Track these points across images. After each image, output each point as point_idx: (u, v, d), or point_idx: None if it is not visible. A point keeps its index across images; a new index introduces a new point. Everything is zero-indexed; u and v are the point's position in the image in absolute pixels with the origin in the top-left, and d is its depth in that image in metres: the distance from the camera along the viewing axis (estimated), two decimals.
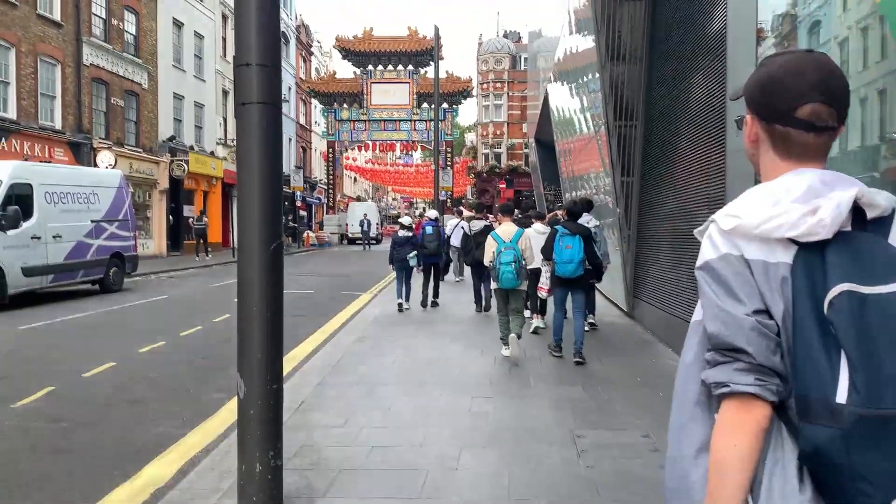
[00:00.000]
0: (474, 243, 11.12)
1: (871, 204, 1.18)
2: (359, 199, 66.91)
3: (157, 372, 7.21)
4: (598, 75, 10.26)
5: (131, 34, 25.41)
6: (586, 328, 8.15)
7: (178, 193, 28.29)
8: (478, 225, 11.55)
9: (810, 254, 1.15)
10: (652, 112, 9.36)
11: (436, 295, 12.27)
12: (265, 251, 3.48)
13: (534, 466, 4.19)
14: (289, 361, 7.63)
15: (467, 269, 13.10)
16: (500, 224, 8.18)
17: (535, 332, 9.17)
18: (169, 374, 7.12)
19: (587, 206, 8.93)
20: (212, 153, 30.79)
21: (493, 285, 7.70)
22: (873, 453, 1.04)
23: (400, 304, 11.45)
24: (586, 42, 11.87)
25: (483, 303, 11.38)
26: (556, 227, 7.60)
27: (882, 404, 1.04)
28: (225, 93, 32.95)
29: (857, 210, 1.18)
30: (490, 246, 7.56)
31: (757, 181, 1.33)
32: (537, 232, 8.62)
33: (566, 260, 7.16)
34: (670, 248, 8.35)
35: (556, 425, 5.05)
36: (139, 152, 25.31)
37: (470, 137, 66.11)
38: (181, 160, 27.08)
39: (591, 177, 13.51)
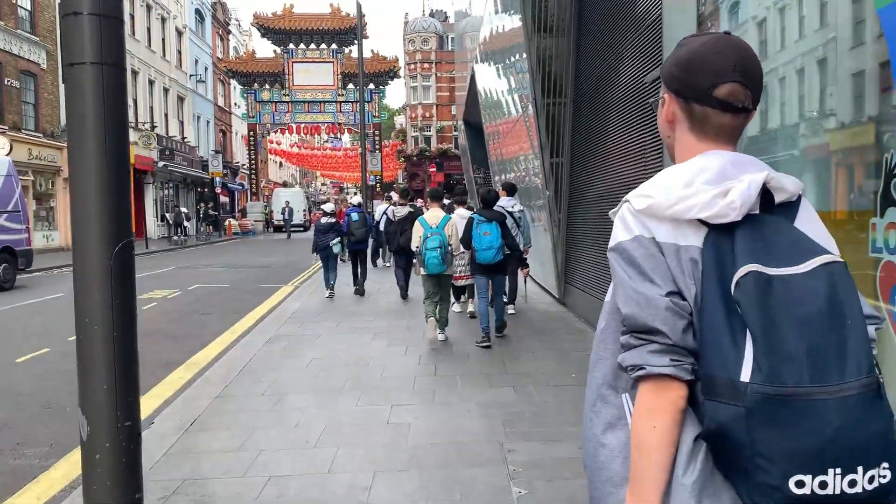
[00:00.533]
0: (399, 230, 10.85)
1: (779, 188, 1.22)
2: (285, 184, 65.10)
3: (32, 386, 6.29)
4: (524, 54, 9.72)
5: (26, 9, 23.44)
6: (507, 314, 8.27)
7: None
8: (402, 211, 11.23)
9: (720, 236, 1.17)
10: (582, 89, 8.86)
11: (363, 279, 12.00)
12: (107, 254, 2.72)
13: (458, 498, 3.59)
14: (189, 368, 6.84)
15: None
16: (427, 209, 8.06)
17: (473, 315, 8.97)
18: (46, 388, 6.20)
19: (511, 189, 8.97)
20: None
21: (421, 271, 7.56)
22: (774, 431, 1.05)
23: (331, 290, 11.34)
24: (512, 21, 11.35)
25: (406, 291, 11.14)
26: (472, 214, 7.55)
27: (784, 382, 1.05)
28: (134, 72, 31.02)
29: (765, 194, 1.21)
30: (417, 231, 7.52)
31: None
32: (461, 217, 8.41)
33: (486, 247, 7.18)
34: (602, 233, 7.90)
35: (486, 439, 4.46)
36: (39, 137, 23.48)
37: (400, 121, 65.10)
38: None
39: (521, 159, 13.02)
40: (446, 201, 10.58)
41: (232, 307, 10.92)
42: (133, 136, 29.90)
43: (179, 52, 37.63)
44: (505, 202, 8.58)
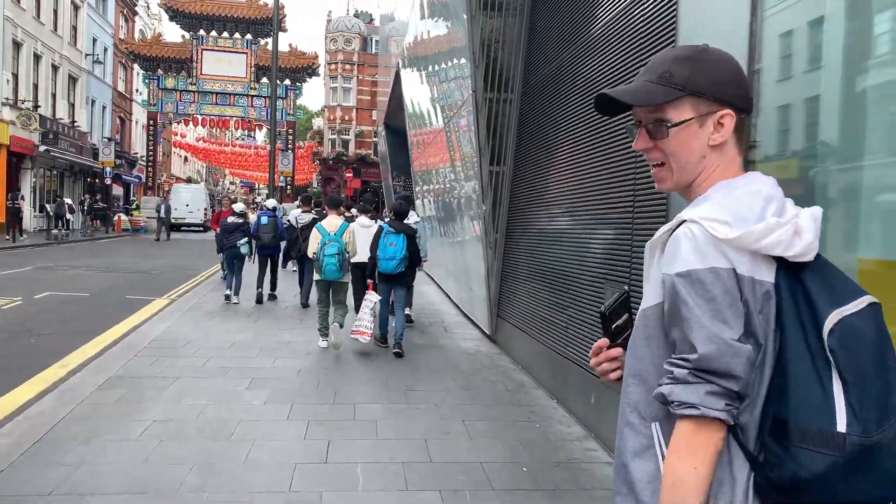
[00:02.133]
0: (301, 236, 10.56)
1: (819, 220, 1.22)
2: (189, 180, 61.17)
3: None
4: (459, 59, 8.02)
5: None
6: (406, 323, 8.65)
7: None
8: (305, 218, 10.89)
9: (790, 273, 1.15)
10: (532, 83, 7.18)
11: (273, 288, 11.51)
12: None
13: None
14: None
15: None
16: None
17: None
18: None
19: (408, 203, 8.81)
20: None
21: (315, 276, 7.75)
22: (863, 479, 1.05)
23: (227, 296, 10.79)
24: (441, 25, 9.78)
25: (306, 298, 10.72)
26: (382, 225, 7.77)
27: (872, 431, 1.05)
28: (16, 44, 27.49)
29: None
30: (315, 238, 7.66)
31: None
32: (361, 226, 8.59)
33: (388, 256, 7.41)
34: (546, 262, 6.22)
35: None
36: None
37: (318, 123, 62.33)
38: None
39: (446, 170, 11.31)
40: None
41: (78, 327, 8.63)
42: (10, 114, 26.41)
43: (75, 28, 34.04)
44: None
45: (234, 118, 37.12)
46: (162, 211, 28.95)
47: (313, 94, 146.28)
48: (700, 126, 1.25)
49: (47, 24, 30.37)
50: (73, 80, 33.65)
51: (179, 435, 4.62)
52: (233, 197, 20.26)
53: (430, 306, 11.41)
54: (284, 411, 5.25)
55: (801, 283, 1.13)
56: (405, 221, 7.87)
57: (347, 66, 47.60)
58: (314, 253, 7.54)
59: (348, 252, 7.57)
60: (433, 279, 14.95)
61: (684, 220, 1.19)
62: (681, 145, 1.27)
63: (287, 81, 37.51)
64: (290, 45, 37.88)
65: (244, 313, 9.80)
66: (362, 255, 8.01)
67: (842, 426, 1.06)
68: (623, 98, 1.29)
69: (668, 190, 1.31)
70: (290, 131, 37.78)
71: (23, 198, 27.03)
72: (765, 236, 1.12)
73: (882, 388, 1.08)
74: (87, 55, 35.01)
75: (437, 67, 11.31)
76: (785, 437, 1.10)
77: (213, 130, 62.13)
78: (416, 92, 14.98)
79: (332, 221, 7.82)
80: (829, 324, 1.09)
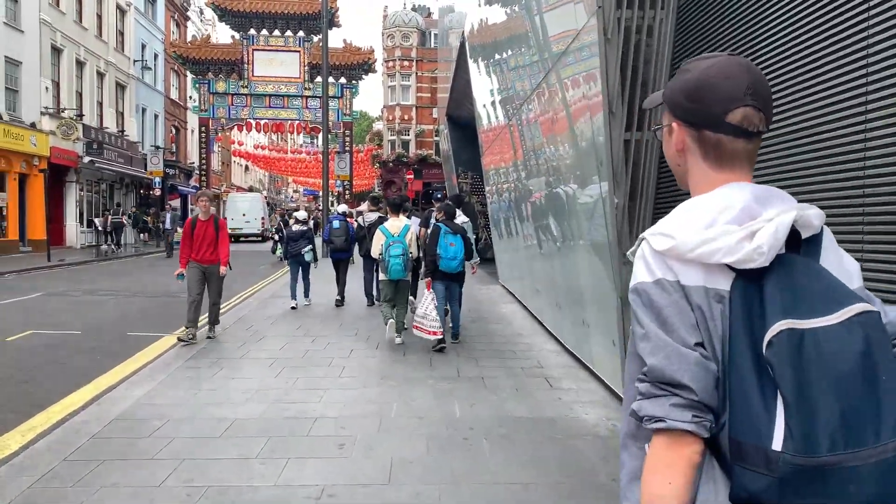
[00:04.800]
0: (368, 235, 10.01)
1: (806, 225, 1.15)
2: (251, 189, 59.98)
3: None
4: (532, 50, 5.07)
5: None
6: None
7: None
8: (371, 217, 10.91)
9: (748, 281, 1.10)
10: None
11: (340, 293, 11.34)
12: None
13: None
14: None
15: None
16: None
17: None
18: None
19: (458, 202, 9.42)
20: (32, 125, 23.84)
21: (382, 276, 7.94)
22: (807, 501, 1.00)
23: (293, 307, 10.74)
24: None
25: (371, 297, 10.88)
26: (439, 225, 7.79)
27: (818, 452, 0.99)
28: (56, 49, 25.92)
29: (792, 231, 1.13)
30: (378, 239, 7.92)
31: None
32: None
33: (451, 256, 7.57)
34: None
35: None
36: None
37: (378, 127, 60.13)
38: None
39: (537, 155, 8.38)
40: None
41: (27, 394, 6.07)
42: (50, 124, 24.81)
43: (121, 34, 32.58)
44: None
45: (289, 121, 35.00)
46: (167, 222, 24.90)
47: (373, 100, 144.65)
48: (668, 134, 1.29)
49: (90, 28, 28.83)
50: (120, 87, 32.16)
51: None
52: (294, 206, 18.04)
53: (519, 337, 8.47)
54: None
55: (759, 291, 1.08)
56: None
57: (406, 63, 45.07)
58: (379, 254, 7.81)
59: (411, 252, 7.86)
60: (513, 295, 11.98)
61: (643, 239, 1.20)
62: (665, 150, 1.33)
63: (342, 80, 35.20)
64: (345, 41, 35.58)
65: (264, 360, 7.07)
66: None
67: (777, 444, 1.00)
68: (645, 103, 1.46)
69: None
70: (347, 132, 35.42)
71: (125, 213, 26.05)
72: (700, 245, 1.10)
73: (855, 406, 0.99)
74: (135, 61, 33.52)
75: (516, 52, 8.49)
76: (732, 455, 1.07)
77: (273, 136, 60.93)
78: (489, 66, 12.15)
79: (395, 223, 8.04)
80: (769, 335, 1.04)
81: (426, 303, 7.47)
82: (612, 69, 4.76)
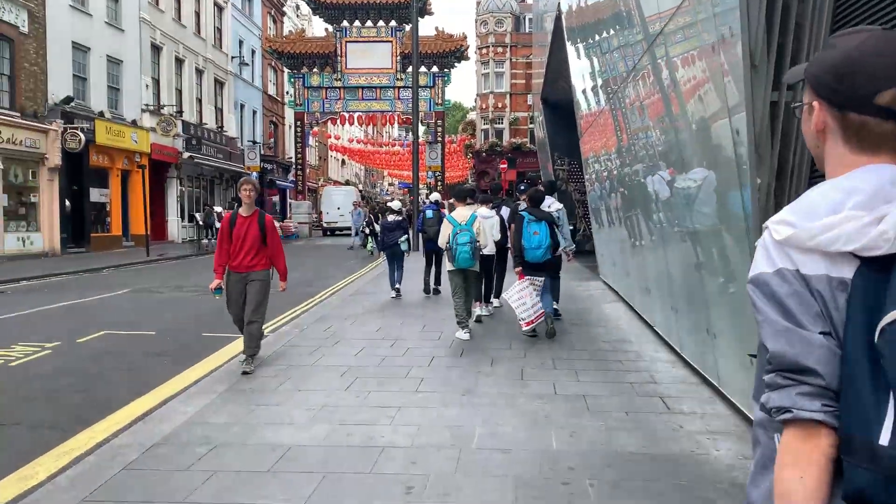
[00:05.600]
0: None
1: None
2: (347, 183, 60.56)
3: None
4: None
5: None
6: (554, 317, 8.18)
7: (80, 173, 21.98)
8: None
9: (873, 271, 1.03)
10: None
11: (437, 282, 11.56)
12: None
13: None
14: None
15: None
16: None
17: (479, 320, 8.66)
18: None
19: (550, 188, 9.47)
20: (134, 122, 24.46)
21: (449, 267, 7.72)
22: None
23: (397, 290, 11.04)
24: None
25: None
26: (523, 213, 7.68)
27: None
28: (155, 48, 26.51)
29: None
30: (446, 229, 7.74)
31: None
32: (482, 216, 8.24)
33: (535, 245, 7.39)
34: None
35: None
36: (15, 117, 19.02)
37: (472, 116, 59.22)
38: (78, 128, 20.74)
39: (646, 135, 7.26)
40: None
41: (89, 401, 5.59)
42: (150, 121, 25.40)
43: (219, 30, 33.18)
44: (544, 202, 8.23)
45: (382, 113, 34.71)
46: (209, 215, 24.33)
47: (467, 90, 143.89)
48: (808, 113, 1.21)
49: (189, 26, 29.41)
50: (219, 83, 32.76)
51: None
52: (389, 198, 17.69)
53: (625, 344, 7.37)
54: None
55: (884, 279, 1.01)
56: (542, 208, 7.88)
57: (499, 49, 43.92)
58: (446, 244, 7.64)
59: (478, 241, 7.65)
60: (616, 293, 10.82)
61: (766, 227, 1.16)
62: (803, 129, 1.26)
63: (434, 68, 34.59)
64: (437, 29, 34.93)
65: (337, 369, 6.33)
66: (489, 248, 8.44)
67: (884, 439, 0.95)
68: (786, 76, 1.38)
69: None
70: (439, 122, 34.80)
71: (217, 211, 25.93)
72: (821, 233, 1.05)
73: None
74: (233, 58, 34.08)
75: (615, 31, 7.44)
76: (842, 448, 1.02)
77: (368, 129, 61.24)
78: (588, 47, 11.06)
79: (462, 212, 7.89)
80: (883, 322, 0.98)
81: (517, 293, 7.35)
82: (754, 6, 3.63)
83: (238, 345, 7.77)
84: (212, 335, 8.44)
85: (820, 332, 1.04)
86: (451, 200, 10.39)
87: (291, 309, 10.33)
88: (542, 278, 7.58)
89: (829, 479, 1.02)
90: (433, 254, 11.15)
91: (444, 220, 7.99)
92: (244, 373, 6.07)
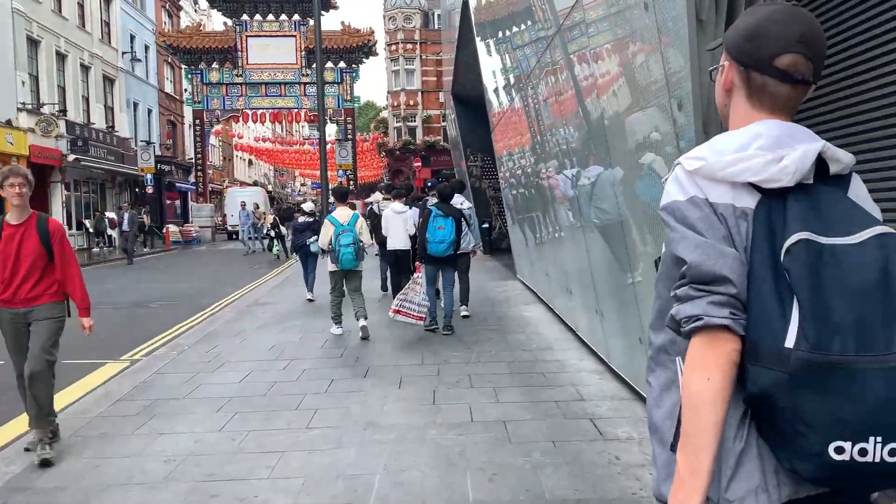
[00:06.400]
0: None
1: (833, 158, 1.21)
2: (255, 184, 58.26)
3: None
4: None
5: None
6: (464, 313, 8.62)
7: None
8: (386, 205, 10.25)
9: (772, 201, 1.17)
10: None
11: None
12: None
13: None
14: None
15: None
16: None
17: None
18: None
19: (460, 187, 9.16)
20: (8, 122, 22.20)
21: (331, 267, 7.67)
22: (816, 398, 1.05)
23: (310, 299, 10.72)
24: None
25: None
26: (431, 207, 7.67)
27: (829, 350, 1.05)
28: (32, 41, 24.25)
29: (820, 167, 1.19)
30: (328, 230, 7.58)
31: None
32: (395, 212, 8.77)
33: (438, 240, 7.43)
34: None
35: None
36: None
37: (384, 114, 58.00)
38: None
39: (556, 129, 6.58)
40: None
41: None
42: (28, 120, 23.17)
43: (107, 24, 30.84)
44: (454, 199, 8.39)
45: (288, 110, 33.24)
46: (125, 223, 21.77)
47: (380, 89, 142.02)
48: (721, 73, 1.34)
49: (71, 19, 27.11)
50: (108, 80, 30.47)
51: None
52: (301, 199, 16.42)
53: (548, 353, 6.66)
54: None
55: (783, 208, 1.15)
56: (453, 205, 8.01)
57: (409, 46, 43.04)
58: (328, 244, 7.54)
59: (362, 241, 7.57)
60: (535, 293, 10.18)
61: (678, 163, 1.26)
62: (716, 90, 1.38)
63: (342, 64, 33.44)
64: (344, 24, 33.75)
65: (214, 401, 5.32)
66: (396, 241, 8.74)
67: (790, 342, 1.07)
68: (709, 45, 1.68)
69: None
70: (349, 119, 33.66)
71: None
72: (730, 165, 1.17)
73: (869, 316, 1.05)
74: (123, 53, 31.81)
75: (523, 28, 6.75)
76: (748, 355, 1.13)
77: (277, 128, 59.07)
78: (498, 42, 10.38)
79: (343, 212, 7.74)
80: (787, 243, 1.11)
81: (416, 287, 7.37)
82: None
83: (102, 373, 6.65)
84: (73, 362, 7.22)
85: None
86: (331, 199, 9.99)
87: (175, 326, 9.17)
88: (421, 281, 7.49)
89: (732, 380, 1.13)
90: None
91: (326, 220, 7.76)
92: (43, 463, 4.06)
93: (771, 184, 1.15)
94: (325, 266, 8.10)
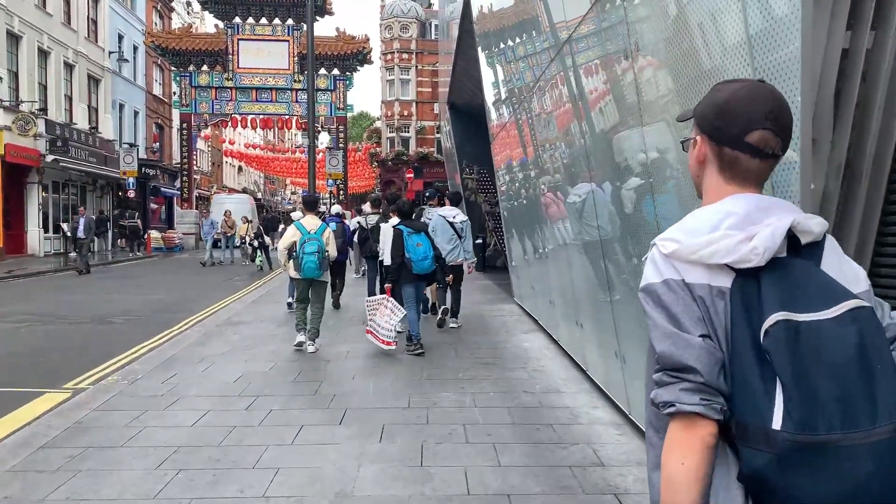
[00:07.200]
0: (372, 237, 10.25)
1: (805, 231, 1.23)
2: (245, 190, 57.25)
3: None
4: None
5: None
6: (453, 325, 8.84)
7: None
8: (373, 218, 10.72)
9: (746, 281, 1.18)
10: None
11: (338, 295, 10.95)
12: None
13: None
14: None
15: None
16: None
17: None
18: None
19: (455, 199, 9.63)
20: None
21: (293, 274, 7.53)
22: (807, 477, 1.06)
23: (289, 304, 10.30)
24: None
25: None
26: (400, 226, 7.52)
27: (815, 430, 1.06)
28: (13, 36, 23.31)
29: (792, 236, 1.21)
30: (293, 235, 7.43)
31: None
32: (392, 227, 7.93)
33: (421, 257, 7.31)
34: None
35: None
36: None
37: (377, 124, 57.18)
38: None
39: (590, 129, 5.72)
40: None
41: None
42: (5, 118, 22.18)
43: (94, 22, 29.93)
44: (447, 212, 8.94)
45: (279, 116, 32.35)
46: (80, 229, 19.40)
47: (374, 99, 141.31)
48: (693, 146, 1.38)
49: (56, 15, 26.20)
50: (94, 80, 29.53)
51: None
52: (291, 207, 15.41)
53: (554, 397, 5.76)
54: None
55: (757, 288, 1.16)
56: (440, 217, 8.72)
57: (405, 56, 42.39)
58: (285, 248, 7.44)
59: (327, 251, 7.46)
60: (534, 319, 9.29)
61: (653, 244, 1.29)
62: (689, 161, 1.41)
63: (335, 71, 32.62)
64: (339, 30, 32.95)
65: (154, 455, 4.39)
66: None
67: (776, 424, 1.08)
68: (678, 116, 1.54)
69: None
70: (342, 127, 32.77)
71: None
72: (702, 248, 1.20)
73: (851, 392, 1.07)
74: (110, 53, 30.88)
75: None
76: (738, 436, 1.14)
77: (268, 135, 58.09)
78: (500, 51, 9.57)
79: (311, 221, 7.60)
80: (766, 325, 1.12)
81: (383, 310, 7.19)
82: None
83: (37, 405, 5.72)
84: (9, 390, 6.28)
85: (700, 335, 1.17)
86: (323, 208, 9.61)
87: (134, 347, 8.22)
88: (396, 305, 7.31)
89: (708, 463, 1.14)
90: (336, 266, 10.25)
91: (292, 226, 7.58)
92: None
93: (743, 264, 1.18)
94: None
